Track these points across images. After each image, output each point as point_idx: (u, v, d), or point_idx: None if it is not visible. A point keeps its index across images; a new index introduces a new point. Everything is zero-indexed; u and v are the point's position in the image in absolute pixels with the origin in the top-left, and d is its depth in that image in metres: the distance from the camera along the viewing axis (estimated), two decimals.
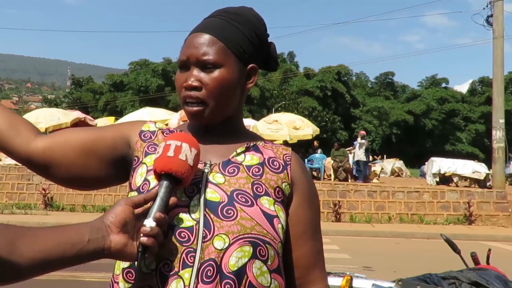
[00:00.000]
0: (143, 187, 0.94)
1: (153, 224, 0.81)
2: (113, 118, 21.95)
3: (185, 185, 0.89)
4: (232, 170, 0.96)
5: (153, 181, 0.93)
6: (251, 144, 1.02)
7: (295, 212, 0.99)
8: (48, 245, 0.74)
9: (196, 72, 0.96)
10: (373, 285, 2.35)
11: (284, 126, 14.59)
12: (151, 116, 15.14)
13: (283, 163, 1.01)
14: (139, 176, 0.97)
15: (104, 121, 20.57)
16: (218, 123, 1.01)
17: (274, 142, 1.11)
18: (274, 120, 15.04)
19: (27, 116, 16.03)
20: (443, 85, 54.18)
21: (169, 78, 45.46)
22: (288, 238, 0.98)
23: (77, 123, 15.84)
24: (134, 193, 0.95)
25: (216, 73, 0.96)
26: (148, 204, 0.85)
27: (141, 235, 0.80)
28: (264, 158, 1.00)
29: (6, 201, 12.77)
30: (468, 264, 2.55)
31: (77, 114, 16.85)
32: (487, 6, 14.68)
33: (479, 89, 51.95)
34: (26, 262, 0.71)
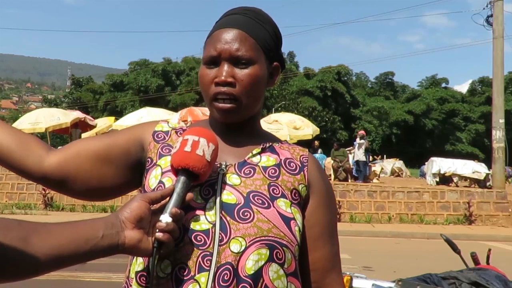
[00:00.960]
0: (157, 190, 0.92)
1: (169, 219, 0.80)
2: (113, 118, 21.90)
3: (202, 181, 0.88)
4: (248, 171, 0.94)
5: (168, 184, 0.91)
6: (267, 145, 1.00)
7: (312, 214, 0.98)
8: (61, 241, 0.73)
9: (228, 68, 0.93)
10: (373, 285, 2.35)
11: (284, 126, 14.59)
12: (151, 116, 15.13)
13: (300, 164, 1.00)
14: (153, 178, 0.95)
15: (104, 121, 20.54)
16: (242, 122, 0.99)
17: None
18: (274, 120, 15.04)
19: (27, 116, 16.03)
20: (443, 85, 54.24)
21: (169, 78, 45.50)
22: (305, 240, 0.96)
23: (77, 123, 15.85)
24: None
25: (250, 69, 0.94)
26: (165, 200, 0.85)
27: (157, 230, 0.80)
28: (281, 159, 0.99)
29: (6, 201, 12.78)
30: (468, 264, 2.54)
31: (77, 114, 16.84)
32: (487, 6, 14.68)
33: (479, 89, 52.00)
34: (40, 258, 0.71)
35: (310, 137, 15.57)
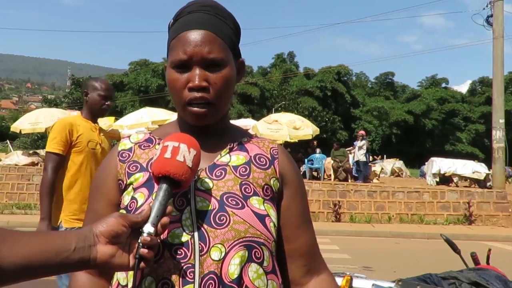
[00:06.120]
0: (131, 205, 0.91)
1: (152, 229, 0.78)
2: (113, 118, 21.85)
3: (185, 188, 0.87)
4: (220, 173, 0.94)
5: (140, 199, 0.91)
6: (235, 144, 1.00)
7: (290, 204, 0.99)
8: (31, 250, 0.71)
9: (199, 71, 0.91)
10: (373, 285, 2.35)
11: (284, 126, 14.58)
12: (151, 116, 15.13)
13: (270, 158, 1.00)
14: (126, 195, 0.94)
15: (104, 121, 20.47)
16: (214, 123, 0.98)
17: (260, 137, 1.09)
18: (274, 120, 15.03)
19: (27, 116, 15.99)
20: (443, 85, 54.16)
21: None
22: (286, 231, 0.98)
23: None
24: (122, 211, 0.92)
25: (223, 72, 0.92)
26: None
27: (140, 244, 0.77)
28: (250, 156, 0.98)
29: (6, 201, 12.75)
30: (468, 264, 2.54)
31: (77, 114, 16.81)
32: (487, 6, 14.68)
33: (479, 89, 51.96)
34: (7, 266, 0.68)
35: (310, 137, 15.55)
